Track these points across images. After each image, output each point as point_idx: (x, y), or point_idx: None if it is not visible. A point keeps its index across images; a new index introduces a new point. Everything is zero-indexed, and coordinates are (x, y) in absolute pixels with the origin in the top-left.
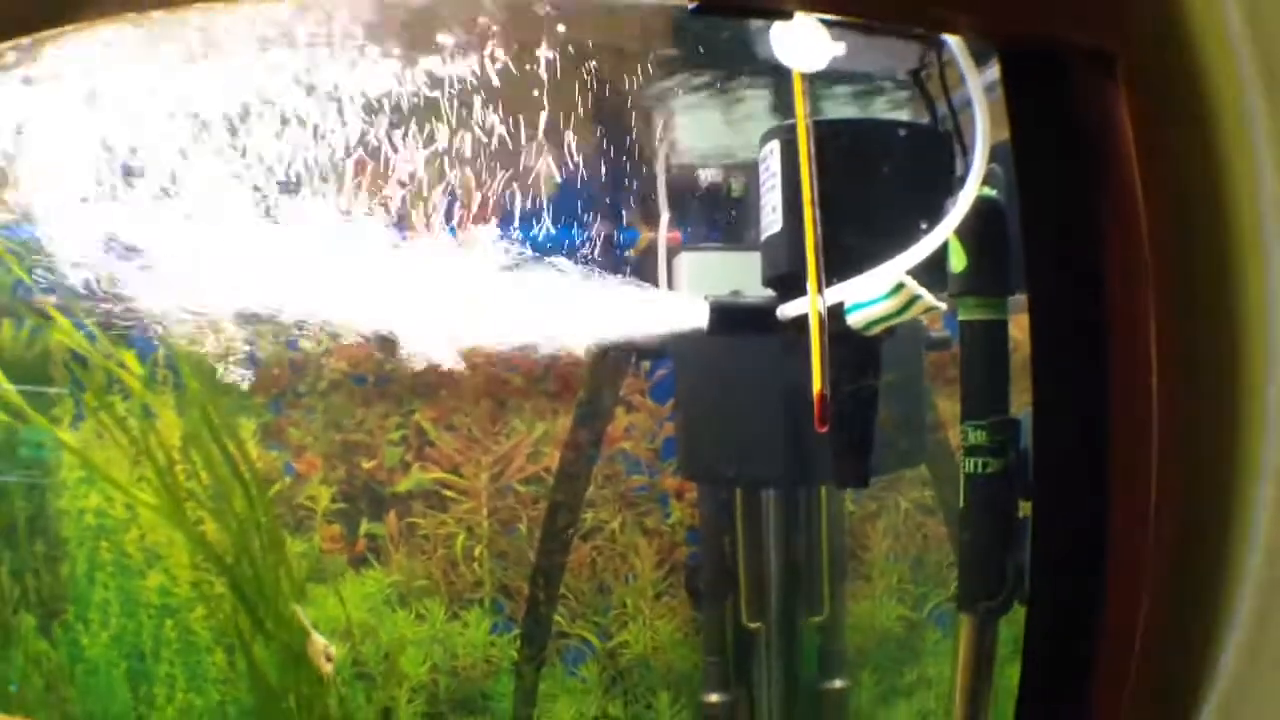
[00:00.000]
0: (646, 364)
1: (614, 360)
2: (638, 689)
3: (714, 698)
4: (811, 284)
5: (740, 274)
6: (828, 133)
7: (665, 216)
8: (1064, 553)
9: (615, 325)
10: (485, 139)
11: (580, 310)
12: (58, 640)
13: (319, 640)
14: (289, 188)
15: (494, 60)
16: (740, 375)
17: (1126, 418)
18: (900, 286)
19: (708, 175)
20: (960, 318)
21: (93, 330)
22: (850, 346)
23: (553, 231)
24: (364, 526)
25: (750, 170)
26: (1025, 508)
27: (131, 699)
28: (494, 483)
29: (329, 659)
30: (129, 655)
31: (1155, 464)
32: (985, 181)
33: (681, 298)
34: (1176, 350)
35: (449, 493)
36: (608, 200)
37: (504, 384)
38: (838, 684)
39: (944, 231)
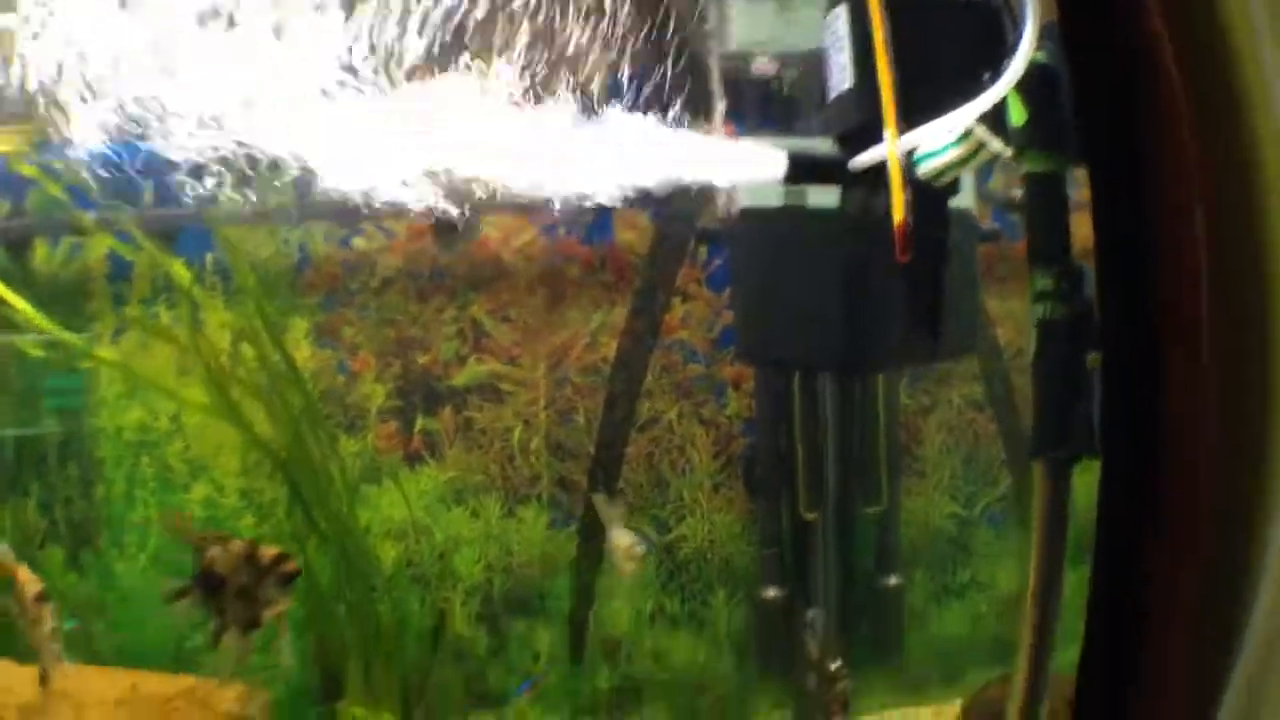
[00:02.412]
0: (704, 250)
1: (670, 247)
2: (695, 585)
3: (771, 593)
4: (889, 118)
5: None
6: None
7: (720, 107)
8: (1130, 402)
9: (697, 171)
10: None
11: (665, 156)
12: (87, 569)
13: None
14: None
15: None
16: (798, 258)
17: (1177, 267)
18: (969, 134)
19: (762, 66)
20: (1025, 170)
21: (139, 240)
22: (920, 198)
23: None
24: (419, 423)
25: (804, 60)
26: (1092, 359)
27: (171, 622)
28: (551, 373)
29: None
30: (170, 575)
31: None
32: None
33: (760, 146)
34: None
35: (505, 385)
36: (661, 92)
37: (560, 274)
38: (893, 580)
39: (1006, 83)
